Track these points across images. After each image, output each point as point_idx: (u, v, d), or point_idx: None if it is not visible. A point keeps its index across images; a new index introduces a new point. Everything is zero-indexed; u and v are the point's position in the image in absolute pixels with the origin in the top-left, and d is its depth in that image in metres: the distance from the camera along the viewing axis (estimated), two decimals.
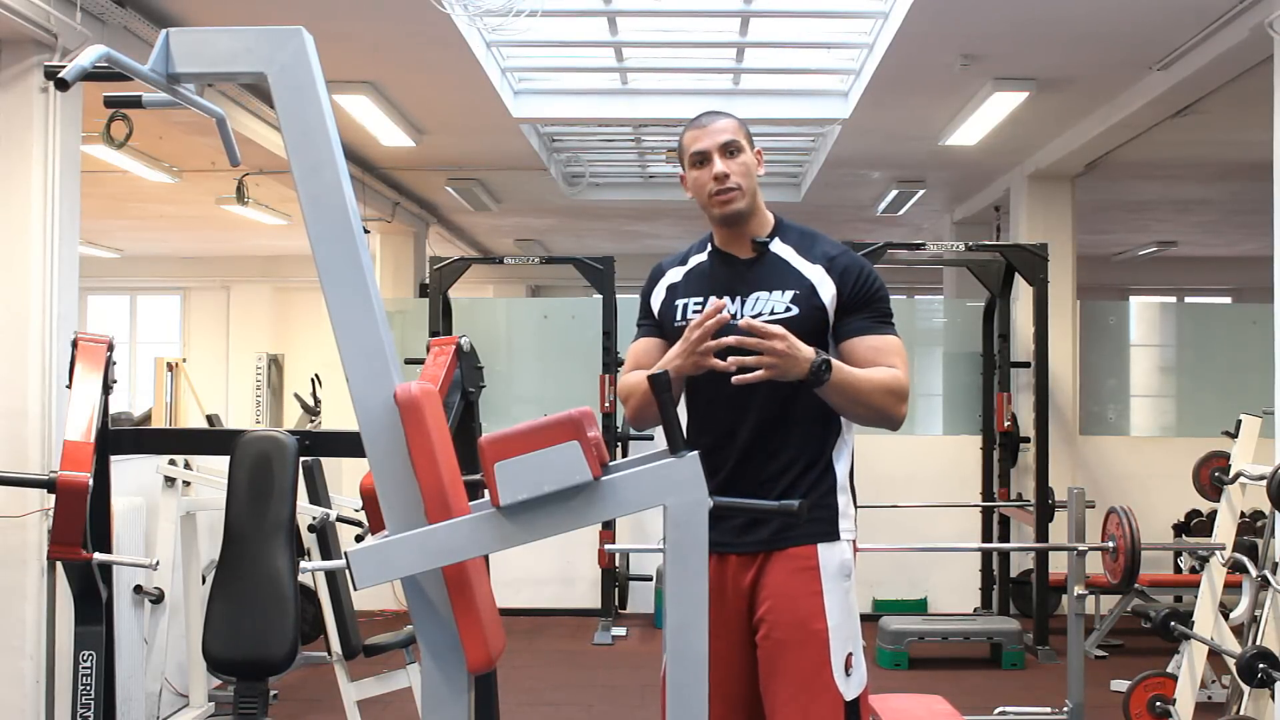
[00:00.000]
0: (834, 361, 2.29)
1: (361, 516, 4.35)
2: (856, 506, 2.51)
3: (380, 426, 2.08)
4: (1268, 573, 4.10)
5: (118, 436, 3.98)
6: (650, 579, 7.02)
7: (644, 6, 5.74)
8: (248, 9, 4.99)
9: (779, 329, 2.23)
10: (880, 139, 7.44)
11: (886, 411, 2.36)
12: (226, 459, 3.52)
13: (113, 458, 3.81)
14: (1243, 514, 4.93)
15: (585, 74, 6.70)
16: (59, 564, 3.55)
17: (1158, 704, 4.46)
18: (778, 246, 2.49)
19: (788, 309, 2.43)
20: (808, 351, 2.24)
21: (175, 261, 14.32)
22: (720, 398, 2.41)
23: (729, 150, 2.47)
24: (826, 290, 2.43)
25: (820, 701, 2.35)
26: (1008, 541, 6.94)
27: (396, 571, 2.05)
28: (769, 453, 2.43)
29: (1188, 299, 14.80)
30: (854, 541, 2.47)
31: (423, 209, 10.00)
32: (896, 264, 8.95)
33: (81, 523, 3.30)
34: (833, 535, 2.41)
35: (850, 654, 2.39)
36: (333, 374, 7.91)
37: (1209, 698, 4.86)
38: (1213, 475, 4.68)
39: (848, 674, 2.38)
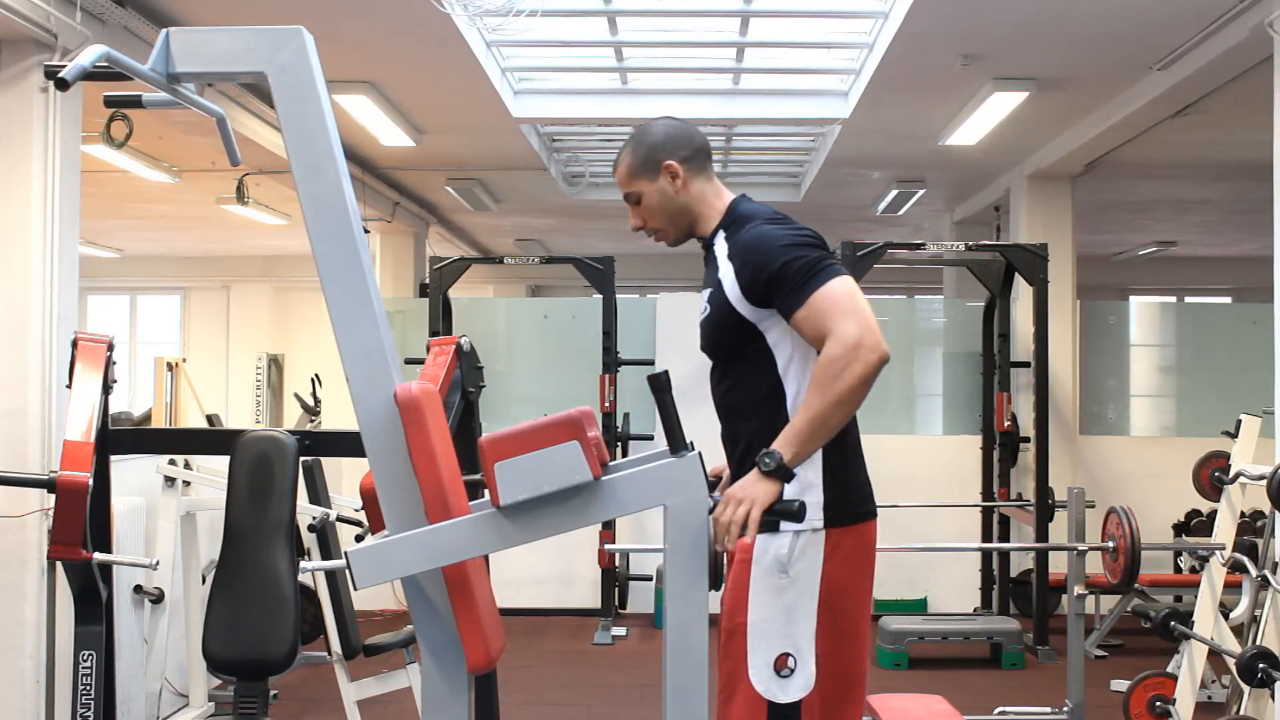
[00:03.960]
0: (781, 441, 2.18)
1: (361, 516, 4.35)
2: (834, 490, 2.33)
3: (380, 426, 2.08)
4: (1268, 573, 4.10)
5: (118, 436, 3.98)
6: (650, 579, 7.02)
7: (644, 6, 5.74)
8: (248, 9, 4.99)
9: (718, 511, 2.16)
10: (880, 139, 7.44)
11: (847, 395, 2.17)
12: (226, 459, 3.53)
13: (113, 458, 3.81)
14: (1243, 514, 4.93)
15: (585, 74, 6.69)
16: (59, 564, 3.55)
17: (1158, 704, 4.47)
18: (719, 244, 2.45)
19: (705, 309, 2.45)
20: (757, 489, 2.15)
21: (175, 261, 14.32)
22: None
23: (630, 199, 2.50)
24: (730, 283, 2.36)
25: (735, 699, 2.30)
26: (1008, 541, 6.94)
27: (396, 571, 2.06)
28: (730, 442, 2.45)
29: (1188, 299, 14.80)
30: (811, 532, 2.29)
31: (423, 209, 10.00)
32: (896, 264, 8.94)
33: (81, 523, 3.30)
34: (770, 526, 2.27)
35: (786, 654, 2.28)
36: (333, 374, 7.91)
37: (1209, 698, 4.85)
38: (1213, 475, 4.68)
39: (780, 674, 2.28)
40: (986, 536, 7.04)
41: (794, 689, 2.28)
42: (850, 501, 2.36)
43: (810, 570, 2.30)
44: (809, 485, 2.31)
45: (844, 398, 2.16)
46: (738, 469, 2.42)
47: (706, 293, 2.44)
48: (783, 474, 2.17)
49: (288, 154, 2.11)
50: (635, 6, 5.68)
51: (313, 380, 9.70)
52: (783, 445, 2.17)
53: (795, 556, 2.29)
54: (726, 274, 2.37)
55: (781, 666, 2.28)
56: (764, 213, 2.44)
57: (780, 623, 2.29)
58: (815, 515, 2.30)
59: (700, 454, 2.10)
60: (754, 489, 2.16)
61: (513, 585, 6.93)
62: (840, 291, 2.24)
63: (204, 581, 4.83)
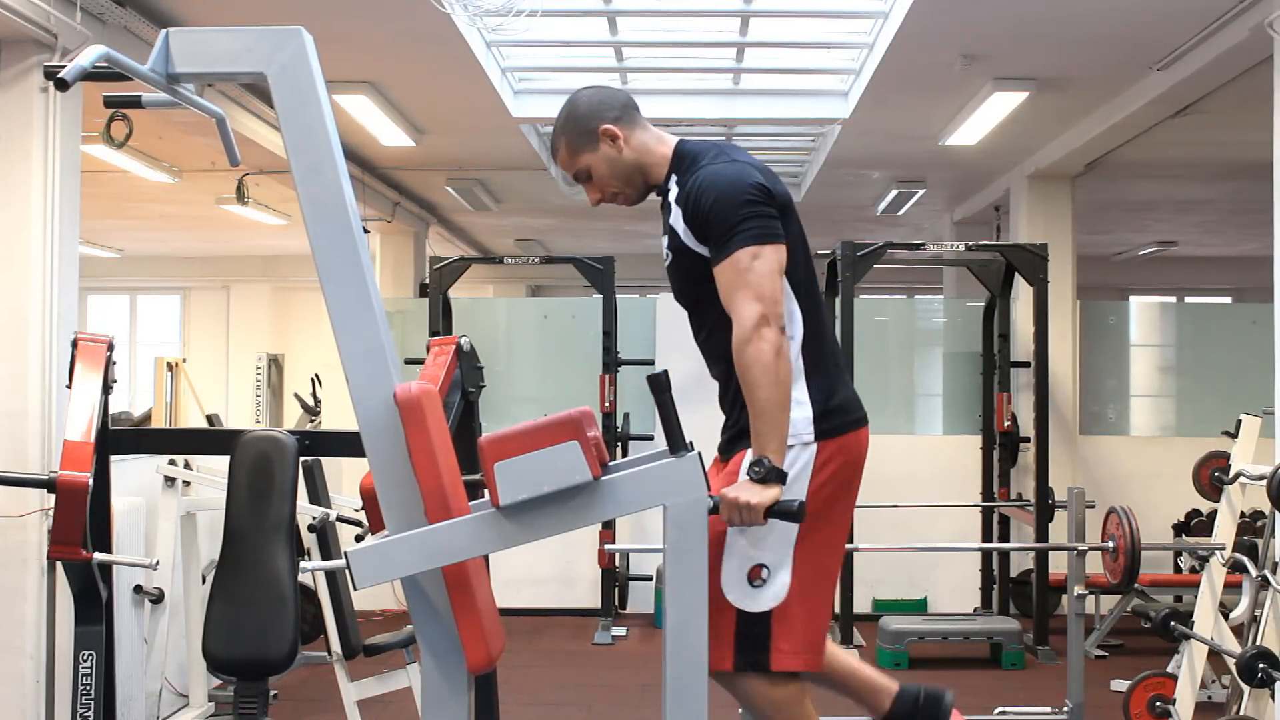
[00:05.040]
0: (757, 447, 2.26)
1: (361, 516, 4.35)
2: (822, 404, 2.38)
3: (380, 426, 2.08)
4: (1268, 573, 4.10)
5: (118, 436, 3.97)
6: (650, 579, 7.02)
7: (644, 6, 5.74)
8: (248, 9, 4.99)
9: (727, 501, 2.23)
10: (880, 139, 7.44)
11: (770, 374, 2.23)
12: (226, 459, 3.52)
13: (113, 458, 3.81)
14: (1243, 514, 4.93)
15: (585, 74, 6.69)
16: (59, 564, 3.54)
17: (1158, 704, 4.46)
18: (672, 187, 2.49)
19: (667, 256, 2.50)
20: (752, 494, 2.21)
21: (175, 261, 14.32)
22: None
23: (580, 177, 2.54)
24: (682, 228, 2.42)
25: (715, 606, 2.31)
26: (1008, 541, 6.94)
27: (396, 571, 2.06)
28: (723, 382, 2.50)
29: (1188, 299, 14.80)
30: (802, 446, 2.34)
31: (423, 209, 10.00)
32: (896, 264, 8.94)
33: (81, 523, 3.30)
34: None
35: (760, 565, 2.34)
36: (333, 374, 7.91)
37: (1209, 698, 4.85)
38: (1213, 475, 4.68)
39: (752, 584, 2.34)
40: (986, 536, 7.04)
41: (765, 599, 2.34)
42: (839, 411, 2.42)
43: (798, 484, 2.35)
44: (797, 402, 2.36)
45: (770, 379, 2.24)
46: (730, 407, 2.48)
47: (665, 239, 2.50)
48: (776, 476, 2.23)
49: (288, 154, 2.11)
50: (635, 6, 5.68)
51: (313, 380, 9.69)
52: (761, 450, 2.25)
53: (784, 468, 2.33)
54: (678, 219, 2.43)
55: (755, 577, 2.35)
56: (709, 150, 2.47)
57: (756, 536, 2.33)
58: (805, 430, 2.36)
59: (700, 454, 2.10)
60: (751, 494, 2.21)
61: (513, 585, 6.93)
62: (743, 264, 2.30)
63: (204, 581, 4.83)
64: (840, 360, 2.53)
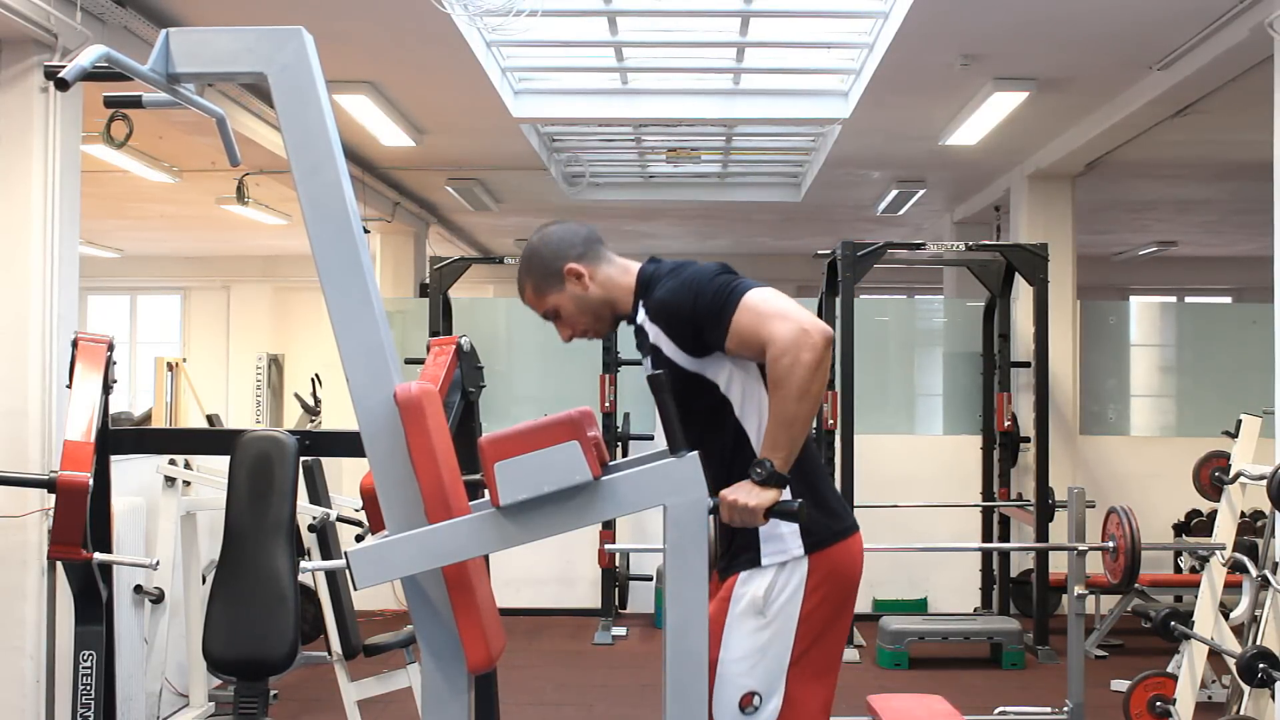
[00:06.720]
0: (765, 450, 2.20)
1: (361, 516, 4.35)
2: (817, 513, 2.33)
3: (380, 426, 2.08)
4: (1268, 573, 4.10)
5: (118, 436, 3.98)
6: (650, 579, 7.02)
7: (644, 6, 5.74)
8: (248, 9, 4.99)
9: (727, 503, 2.20)
10: (880, 139, 7.44)
11: (805, 386, 2.16)
12: (226, 459, 3.53)
13: (113, 458, 3.81)
14: (1243, 514, 4.93)
15: (585, 74, 6.69)
16: (59, 564, 3.55)
17: (1158, 704, 4.47)
18: (641, 312, 2.45)
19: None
20: (751, 495, 2.18)
21: (175, 261, 14.32)
22: None
23: (549, 316, 2.53)
24: (665, 344, 2.36)
25: None
26: (1008, 541, 6.94)
27: (396, 571, 2.06)
28: (710, 479, 2.37)
29: (1188, 299, 14.79)
30: (794, 561, 2.30)
31: (423, 209, 10.00)
32: (896, 264, 8.94)
33: (81, 523, 3.30)
34: (755, 562, 2.31)
35: (752, 694, 2.29)
36: (333, 374, 7.91)
37: (1209, 698, 4.86)
38: (1213, 475, 4.68)
39: (744, 712, 2.29)
40: (986, 536, 7.04)
41: None
42: (828, 518, 2.36)
43: (790, 608, 2.30)
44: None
45: (803, 390, 2.17)
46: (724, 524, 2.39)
47: (648, 360, 2.44)
48: (776, 480, 2.19)
49: (288, 154, 2.11)
50: (635, 6, 5.68)
51: (313, 380, 9.69)
52: (768, 454, 2.20)
53: (775, 593, 2.30)
54: (658, 336, 2.38)
55: (746, 705, 2.30)
56: (667, 266, 2.44)
57: (751, 663, 2.30)
58: (794, 545, 2.31)
59: (699, 454, 2.10)
60: (750, 495, 2.18)
61: (513, 585, 6.93)
62: (756, 304, 2.25)
63: (204, 581, 4.84)
64: (821, 465, 2.45)
